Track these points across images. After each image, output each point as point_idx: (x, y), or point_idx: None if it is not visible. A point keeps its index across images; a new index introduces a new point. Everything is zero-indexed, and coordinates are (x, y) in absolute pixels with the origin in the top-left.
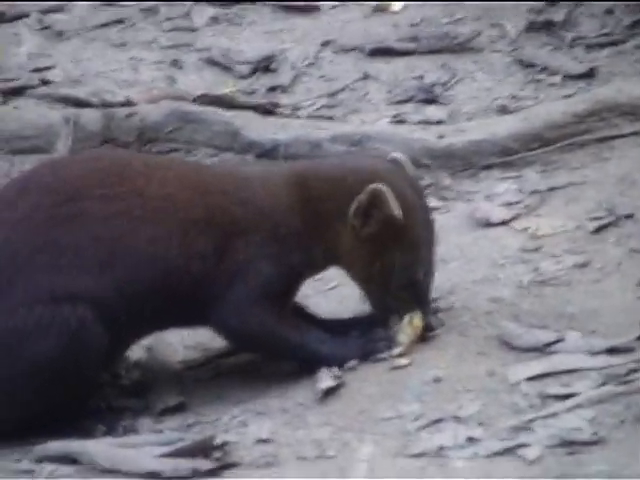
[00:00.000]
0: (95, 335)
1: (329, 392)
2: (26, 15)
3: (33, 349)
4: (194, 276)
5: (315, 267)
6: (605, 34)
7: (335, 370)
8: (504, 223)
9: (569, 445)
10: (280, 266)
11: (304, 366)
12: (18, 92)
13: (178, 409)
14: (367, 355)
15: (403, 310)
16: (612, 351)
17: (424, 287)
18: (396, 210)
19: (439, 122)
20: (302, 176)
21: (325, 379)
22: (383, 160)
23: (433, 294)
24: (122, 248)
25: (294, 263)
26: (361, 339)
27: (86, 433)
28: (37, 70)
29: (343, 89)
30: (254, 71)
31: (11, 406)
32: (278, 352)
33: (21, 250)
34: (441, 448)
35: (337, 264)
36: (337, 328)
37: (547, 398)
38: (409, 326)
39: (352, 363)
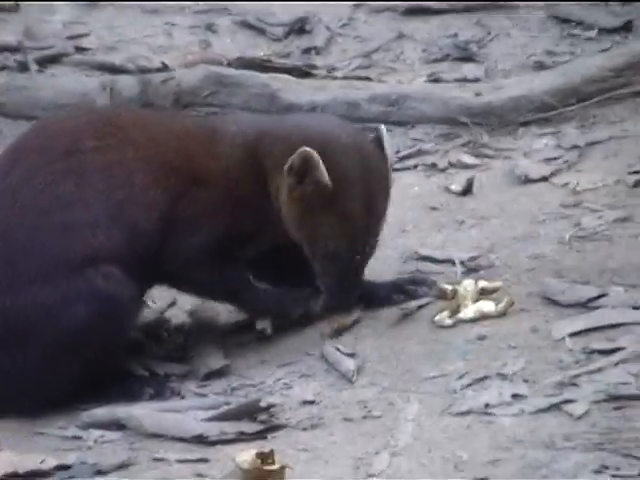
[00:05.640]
0: (124, 287)
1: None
2: None
3: (69, 320)
4: (163, 217)
5: (277, 237)
6: None
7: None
8: (544, 179)
9: (615, 400)
10: (228, 228)
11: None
12: (54, 60)
13: (222, 373)
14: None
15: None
16: None
17: (343, 264)
18: (324, 177)
19: (475, 80)
20: (258, 138)
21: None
22: (339, 126)
23: (366, 272)
24: (122, 198)
25: (244, 226)
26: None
27: (134, 398)
28: (72, 38)
29: (378, 49)
30: (288, 33)
31: (59, 376)
32: (216, 298)
33: (27, 214)
34: (486, 405)
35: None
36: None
37: (592, 353)
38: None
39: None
